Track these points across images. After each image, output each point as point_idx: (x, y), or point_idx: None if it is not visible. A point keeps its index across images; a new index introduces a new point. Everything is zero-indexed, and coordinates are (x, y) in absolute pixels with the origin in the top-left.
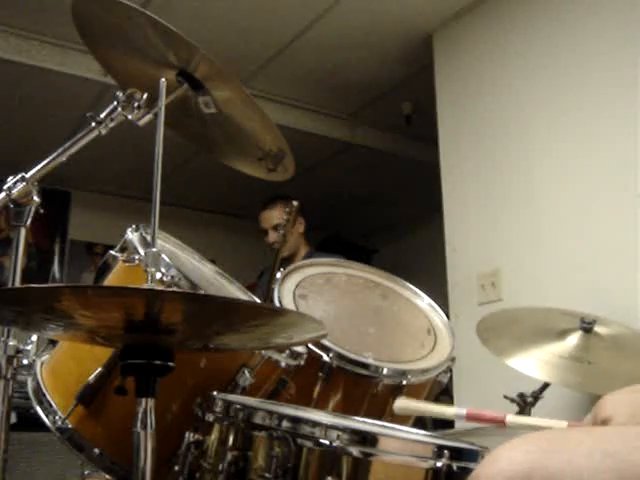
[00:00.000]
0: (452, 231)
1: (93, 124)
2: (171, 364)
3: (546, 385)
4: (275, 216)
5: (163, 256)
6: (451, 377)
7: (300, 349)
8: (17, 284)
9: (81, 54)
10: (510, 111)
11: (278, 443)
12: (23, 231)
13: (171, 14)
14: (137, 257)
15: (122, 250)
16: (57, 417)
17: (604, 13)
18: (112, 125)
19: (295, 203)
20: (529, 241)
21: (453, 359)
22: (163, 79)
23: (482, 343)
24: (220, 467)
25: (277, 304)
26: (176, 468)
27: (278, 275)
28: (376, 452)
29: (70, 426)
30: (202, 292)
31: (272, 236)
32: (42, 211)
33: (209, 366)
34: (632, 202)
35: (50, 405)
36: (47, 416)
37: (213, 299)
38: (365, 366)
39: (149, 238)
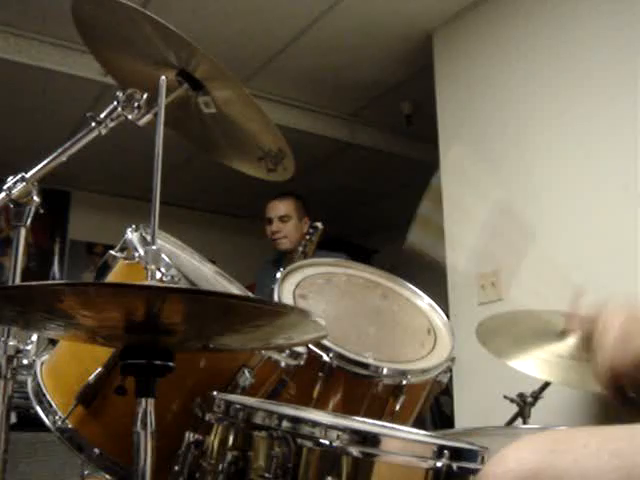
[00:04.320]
0: (452, 231)
1: (93, 124)
2: (171, 364)
3: (546, 385)
4: (285, 207)
5: (163, 256)
6: (451, 377)
7: (300, 349)
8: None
9: (81, 54)
10: (510, 111)
11: (278, 443)
12: (23, 231)
13: (171, 14)
14: (137, 254)
15: (122, 250)
16: (57, 417)
17: (604, 13)
18: (112, 125)
19: (319, 225)
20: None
21: (453, 359)
22: (163, 77)
23: (482, 345)
24: (220, 467)
25: None
26: (176, 468)
27: (278, 275)
28: (376, 452)
29: (70, 426)
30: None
31: (277, 225)
32: (42, 211)
33: (209, 366)
34: (632, 202)
35: (50, 405)
36: (47, 416)
37: (214, 295)
38: (365, 366)
39: (149, 238)
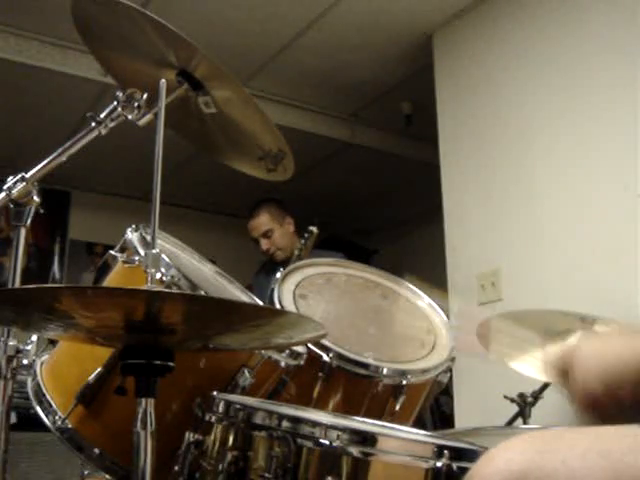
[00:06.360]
0: (452, 231)
1: (93, 124)
2: (171, 364)
3: (546, 385)
4: (262, 223)
5: (163, 256)
6: (451, 377)
7: (300, 349)
8: (17, 284)
9: (81, 54)
10: (510, 111)
11: (278, 443)
12: (23, 231)
13: (171, 14)
14: (137, 258)
15: (122, 250)
16: (57, 417)
17: (604, 13)
18: (112, 125)
19: (314, 229)
20: (529, 241)
21: (453, 359)
22: (163, 80)
23: (482, 344)
24: (220, 467)
25: (277, 304)
26: (176, 468)
27: (278, 275)
28: (376, 452)
29: (70, 426)
30: (202, 292)
31: (264, 243)
32: (42, 211)
33: (209, 366)
34: (632, 202)
35: (50, 405)
36: (47, 416)
37: (212, 300)
38: (365, 366)
39: (149, 238)
